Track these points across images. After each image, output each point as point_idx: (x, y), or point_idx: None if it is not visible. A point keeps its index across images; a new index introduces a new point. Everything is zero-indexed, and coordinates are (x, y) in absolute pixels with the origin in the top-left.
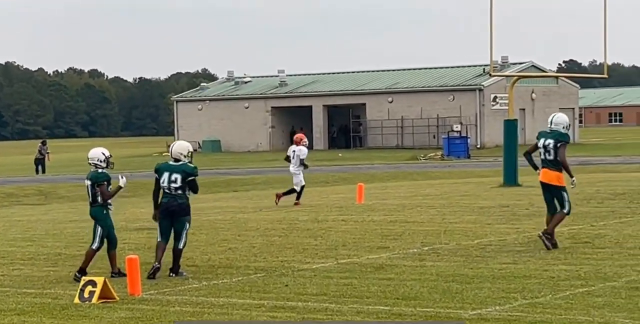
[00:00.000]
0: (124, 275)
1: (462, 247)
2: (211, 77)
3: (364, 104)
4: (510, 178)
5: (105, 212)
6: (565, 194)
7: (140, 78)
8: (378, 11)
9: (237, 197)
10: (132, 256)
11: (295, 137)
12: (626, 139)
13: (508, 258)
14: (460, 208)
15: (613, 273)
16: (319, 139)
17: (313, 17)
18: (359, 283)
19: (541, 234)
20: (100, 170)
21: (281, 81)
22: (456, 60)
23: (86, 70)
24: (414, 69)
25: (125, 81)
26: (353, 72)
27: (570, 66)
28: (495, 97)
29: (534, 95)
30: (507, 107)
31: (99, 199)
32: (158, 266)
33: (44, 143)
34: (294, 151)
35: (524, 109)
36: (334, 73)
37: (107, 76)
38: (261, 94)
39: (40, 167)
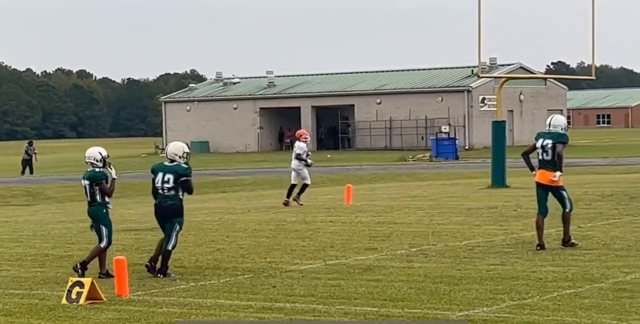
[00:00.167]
0: (112, 276)
1: (449, 248)
2: (200, 78)
3: (353, 105)
4: (499, 180)
5: (105, 211)
6: (564, 192)
7: (128, 79)
8: (367, 12)
9: (226, 198)
10: (120, 257)
11: (297, 133)
12: (614, 141)
13: (496, 259)
14: (448, 209)
15: (600, 274)
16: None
17: (302, 19)
18: (347, 284)
19: (562, 246)
20: (97, 169)
21: (269, 82)
22: (444, 62)
23: (74, 71)
24: (403, 71)
25: (114, 81)
26: (341, 73)
27: (559, 68)
28: (484, 99)
29: (522, 96)
30: (495, 109)
31: (98, 198)
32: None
33: (30, 144)
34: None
35: (512, 111)
36: (322, 74)
37: (95, 77)
38: (249, 95)
39: (27, 168)
